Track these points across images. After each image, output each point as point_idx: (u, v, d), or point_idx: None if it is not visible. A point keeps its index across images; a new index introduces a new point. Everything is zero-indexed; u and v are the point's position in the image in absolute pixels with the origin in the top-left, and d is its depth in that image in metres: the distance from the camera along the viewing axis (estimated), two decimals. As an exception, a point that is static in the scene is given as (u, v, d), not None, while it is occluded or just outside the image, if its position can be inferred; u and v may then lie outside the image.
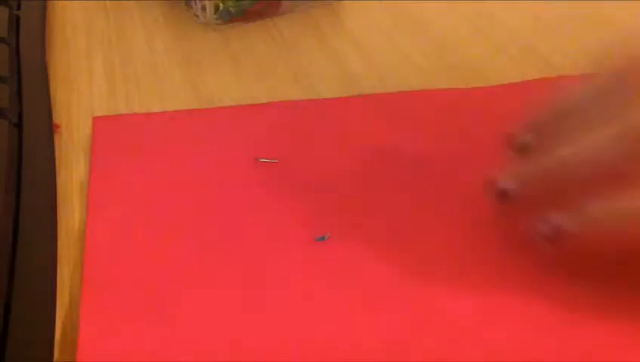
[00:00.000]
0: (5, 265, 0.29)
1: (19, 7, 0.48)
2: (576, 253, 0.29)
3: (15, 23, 0.46)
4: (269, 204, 0.34)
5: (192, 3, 0.50)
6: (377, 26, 0.50)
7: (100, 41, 0.48)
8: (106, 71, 0.45)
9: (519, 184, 0.31)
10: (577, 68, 0.45)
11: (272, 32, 0.49)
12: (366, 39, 0.48)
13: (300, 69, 0.45)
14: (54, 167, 0.35)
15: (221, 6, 0.49)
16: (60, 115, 0.41)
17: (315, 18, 0.51)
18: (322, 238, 0.32)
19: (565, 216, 0.29)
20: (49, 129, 0.38)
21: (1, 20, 0.44)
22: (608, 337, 0.28)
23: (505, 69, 0.45)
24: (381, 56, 0.46)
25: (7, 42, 0.42)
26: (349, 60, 0.46)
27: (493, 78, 0.44)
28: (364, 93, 0.43)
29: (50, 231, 0.31)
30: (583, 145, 0.30)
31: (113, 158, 0.36)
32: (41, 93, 0.40)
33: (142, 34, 0.49)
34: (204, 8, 0.49)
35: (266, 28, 0.50)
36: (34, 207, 0.32)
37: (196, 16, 0.50)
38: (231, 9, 0.49)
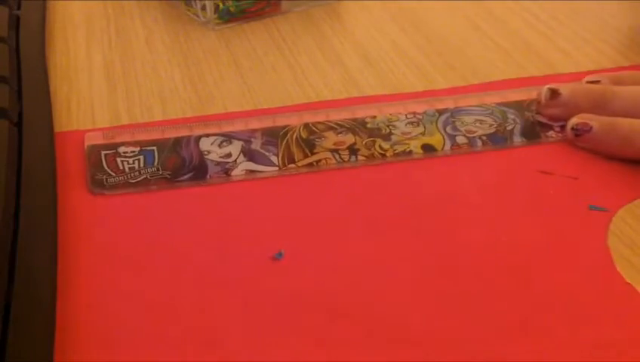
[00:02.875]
0: (5, 265, 0.29)
1: (19, 7, 0.48)
2: (591, 150, 0.37)
3: (15, 23, 0.46)
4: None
5: (192, 3, 0.50)
6: (377, 26, 0.50)
7: (99, 41, 0.48)
8: (106, 71, 0.45)
9: (570, 91, 0.39)
10: (577, 66, 0.45)
11: (272, 32, 0.49)
12: (366, 39, 0.48)
13: (300, 69, 0.45)
14: (54, 167, 0.35)
15: (221, 6, 0.49)
16: (60, 115, 0.41)
17: (315, 18, 0.51)
18: (279, 255, 0.32)
19: (594, 118, 0.37)
20: (49, 129, 0.38)
21: (1, 20, 0.44)
22: None
23: (505, 69, 0.45)
24: (381, 56, 0.46)
25: (7, 42, 0.42)
26: (349, 60, 0.46)
27: (493, 78, 0.44)
28: (366, 95, 0.43)
29: (50, 231, 0.31)
30: (631, 88, 0.39)
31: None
32: (41, 93, 0.40)
33: (142, 34, 0.49)
34: (204, 8, 0.49)
35: (266, 28, 0.50)
36: (34, 207, 0.32)
37: (196, 16, 0.50)
38: (231, 9, 0.49)
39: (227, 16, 0.49)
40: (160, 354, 0.27)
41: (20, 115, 0.38)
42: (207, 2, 0.49)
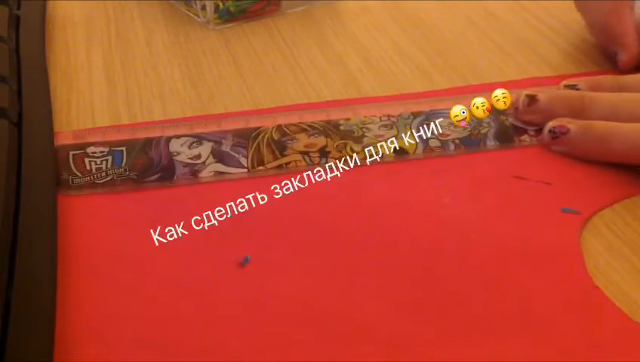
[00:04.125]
0: (5, 265, 0.29)
1: (19, 7, 0.48)
2: (567, 154, 0.37)
3: (15, 23, 0.46)
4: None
5: (192, 3, 0.50)
6: (377, 26, 0.50)
7: (100, 41, 0.48)
8: (106, 71, 0.45)
9: (548, 97, 0.39)
10: (578, 67, 0.45)
11: (272, 31, 0.49)
12: (366, 39, 0.48)
13: (300, 69, 0.45)
14: (54, 167, 0.35)
15: (221, 6, 0.49)
16: (60, 115, 0.41)
17: (315, 18, 0.51)
18: (245, 261, 0.31)
19: (571, 121, 0.37)
20: (49, 129, 0.38)
21: (1, 20, 0.44)
22: None
23: (505, 69, 0.45)
24: (381, 56, 0.46)
25: (7, 42, 0.42)
26: (349, 60, 0.46)
27: (493, 78, 0.44)
28: (366, 96, 0.43)
29: (50, 231, 0.31)
30: (608, 95, 0.39)
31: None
32: (41, 93, 0.40)
33: (142, 34, 0.49)
34: (204, 8, 0.49)
35: (266, 28, 0.50)
36: (34, 207, 0.32)
37: (196, 16, 0.50)
38: (231, 9, 0.49)
39: (227, 16, 0.49)
40: (159, 353, 0.27)
41: (20, 115, 0.38)
42: (207, 2, 0.49)
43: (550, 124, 0.38)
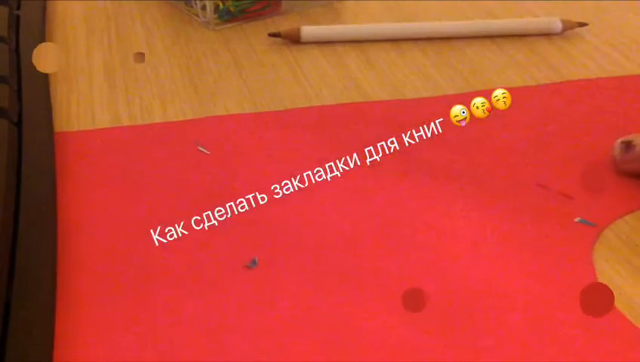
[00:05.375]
0: (5, 265, 0.29)
1: (19, 7, 0.48)
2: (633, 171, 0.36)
3: (15, 23, 0.46)
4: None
5: (192, 3, 0.50)
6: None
7: (99, 41, 0.48)
8: (106, 71, 0.45)
9: None
10: (578, 68, 0.45)
11: (272, 32, 0.49)
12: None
13: (300, 70, 0.45)
14: (54, 167, 0.35)
15: (221, 6, 0.49)
16: (60, 115, 0.41)
17: (315, 18, 0.51)
18: (253, 264, 0.31)
19: (638, 135, 0.36)
20: (49, 129, 0.38)
21: (1, 20, 0.44)
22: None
23: (505, 69, 0.45)
24: (381, 56, 0.46)
25: (7, 42, 0.42)
26: (349, 60, 0.46)
27: (495, 78, 0.44)
28: (368, 100, 0.43)
29: (50, 231, 0.31)
30: None
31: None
32: (41, 93, 0.40)
33: (142, 34, 0.49)
34: (204, 8, 0.49)
35: (266, 28, 0.50)
36: (34, 207, 0.32)
37: (196, 16, 0.50)
38: (231, 9, 0.49)
39: (227, 16, 0.49)
40: (159, 353, 0.27)
41: (20, 115, 0.38)
42: (207, 2, 0.49)
43: (620, 139, 0.36)
